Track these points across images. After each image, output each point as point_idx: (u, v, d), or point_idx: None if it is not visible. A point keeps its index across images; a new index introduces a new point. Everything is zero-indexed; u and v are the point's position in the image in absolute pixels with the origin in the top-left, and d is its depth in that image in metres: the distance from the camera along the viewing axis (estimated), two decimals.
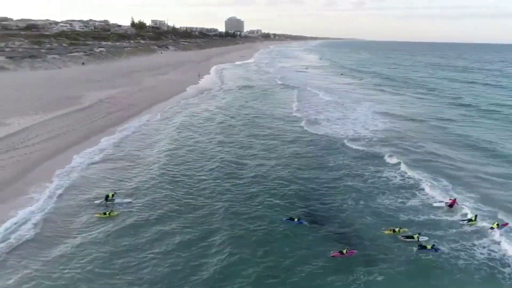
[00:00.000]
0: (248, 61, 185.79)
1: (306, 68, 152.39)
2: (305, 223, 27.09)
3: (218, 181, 35.02)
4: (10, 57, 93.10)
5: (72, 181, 33.70)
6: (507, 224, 26.65)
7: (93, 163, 38.34)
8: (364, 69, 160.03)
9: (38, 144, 41.37)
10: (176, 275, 21.52)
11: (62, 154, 39.93)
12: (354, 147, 45.65)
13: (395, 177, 36.34)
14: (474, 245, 24.76)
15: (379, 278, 21.45)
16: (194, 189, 33.23)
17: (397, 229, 25.93)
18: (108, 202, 29.39)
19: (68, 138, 44.61)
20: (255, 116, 61.91)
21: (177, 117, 59.69)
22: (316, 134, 51.55)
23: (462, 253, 23.97)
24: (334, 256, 23.15)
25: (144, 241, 24.92)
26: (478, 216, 27.29)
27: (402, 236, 25.18)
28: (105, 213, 27.41)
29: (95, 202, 29.70)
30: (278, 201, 30.90)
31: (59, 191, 31.42)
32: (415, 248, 23.93)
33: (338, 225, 27.43)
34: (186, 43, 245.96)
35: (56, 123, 49.20)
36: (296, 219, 27.15)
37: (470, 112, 68.74)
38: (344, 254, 23.12)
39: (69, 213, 28.32)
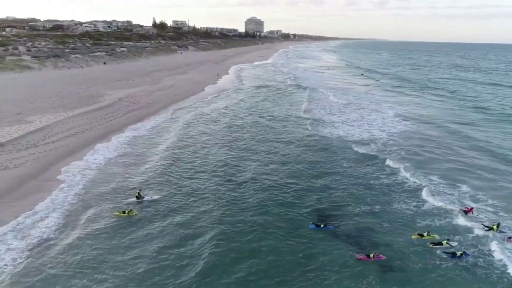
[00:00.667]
0: (266, 61, 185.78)
1: (328, 69, 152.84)
2: (332, 228, 26.60)
3: (222, 184, 35.26)
4: (35, 57, 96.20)
5: (90, 178, 34.61)
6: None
7: (110, 160, 39.31)
8: (382, 70, 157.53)
9: (58, 142, 42.63)
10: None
11: (81, 151, 41.05)
12: (366, 151, 45.00)
13: (410, 181, 35.65)
14: (493, 251, 24.12)
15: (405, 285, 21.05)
16: (200, 191, 33.61)
17: (425, 234, 25.38)
18: (139, 200, 30.01)
19: (87, 136, 45.82)
20: (270, 117, 61.94)
21: (188, 115, 60.48)
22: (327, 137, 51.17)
23: (481, 259, 23.43)
24: (360, 259, 22.77)
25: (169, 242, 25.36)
26: (500, 225, 26.45)
27: (430, 243, 24.49)
28: (124, 212, 27.78)
29: (127, 200, 30.24)
30: (296, 206, 30.68)
31: (77, 188, 32.32)
32: (445, 255, 23.38)
33: (362, 229, 26.97)
34: (205, 43, 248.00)
35: (75, 121, 50.58)
36: (322, 225, 26.58)
37: (492, 117, 66.68)
38: (370, 258, 22.66)
39: (87, 210, 29.03)
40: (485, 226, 26.25)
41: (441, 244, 23.93)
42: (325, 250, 24.13)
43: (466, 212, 28.39)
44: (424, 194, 32.47)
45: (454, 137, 52.10)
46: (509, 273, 22.07)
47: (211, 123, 56.90)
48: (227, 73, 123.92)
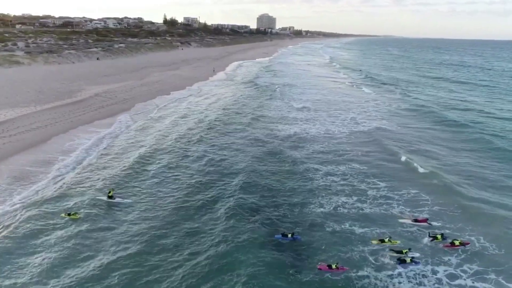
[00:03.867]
0: (268, 57, 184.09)
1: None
2: (299, 238, 24.69)
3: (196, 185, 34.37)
4: (28, 52, 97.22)
5: (46, 176, 33.93)
6: (468, 243, 24.61)
7: (66, 156, 38.86)
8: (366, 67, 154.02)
9: (15, 136, 42.45)
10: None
11: (39, 147, 40.68)
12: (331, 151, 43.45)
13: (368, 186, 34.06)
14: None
15: None
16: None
17: (386, 239, 24.33)
18: (109, 200, 29.24)
19: (48, 131, 45.54)
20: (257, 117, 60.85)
21: (161, 112, 59.84)
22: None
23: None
24: (321, 269, 21.35)
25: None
26: (444, 235, 25.41)
27: (391, 250, 23.33)
28: (69, 214, 27.01)
29: (97, 197, 29.53)
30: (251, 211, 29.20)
31: (26, 186, 31.62)
32: (393, 261, 22.31)
33: (322, 235, 25.40)
34: (210, 40, 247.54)
35: (42, 116, 50.45)
36: (289, 235, 24.56)
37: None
38: (332, 268, 21.18)
39: (37, 208, 28.48)
40: (430, 236, 25.46)
41: (401, 253, 22.78)
42: (288, 259, 22.65)
43: (418, 221, 27.28)
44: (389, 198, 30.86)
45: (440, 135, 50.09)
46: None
47: (179, 119, 56.20)
48: (224, 70, 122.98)
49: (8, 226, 25.60)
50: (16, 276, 20.69)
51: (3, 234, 24.67)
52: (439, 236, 25.18)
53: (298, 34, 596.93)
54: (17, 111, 51.15)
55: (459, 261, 22.66)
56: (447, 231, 25.90)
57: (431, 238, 25.21)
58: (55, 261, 22.01)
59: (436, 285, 20.65)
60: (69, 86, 71.02)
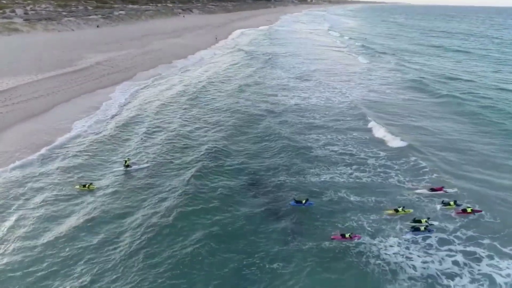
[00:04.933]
0: (271, 25, 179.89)
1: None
2: (313, 203, 25.23)
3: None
4: (27, 20, 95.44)
5: (48, 146, 34.05)
6: (480, 211, 24.81)
7: (71, 126, 39.06)
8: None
9: (18, 104, 42.57)
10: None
11: (42, 116, 40.86)
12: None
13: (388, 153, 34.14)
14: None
15: (376, 266, 20.02)
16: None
17: (400, 209, 24.46)
18: (127, 169, 29.63)
19: (52, 100, 45.54)
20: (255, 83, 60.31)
21: (161, 81, 59.38)
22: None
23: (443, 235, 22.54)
24: (334, 238, 21.80)
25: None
26: (457, 202, 25.50)
27: (411, 221, 23.34)
28: (84, 186, 27.17)
29: (114, 169, 29.77)
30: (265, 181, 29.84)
31: (30, 156, 31.85)
32: (407, 229, 22.58)
33: (337, 205, 25.52)
34: (213, 7, 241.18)
35: (44, 84, 50.29)
36: (303, 201, 25.10)
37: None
38: (346, 237, 21.59)
39: (45, 179, 28.93)
40: (443, 203, 25.67)
41: (420, 222, 22.94)
42: (306, 227, 23.11)
43: (435, 190, 27.34)
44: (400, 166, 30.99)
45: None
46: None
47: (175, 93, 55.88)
48: (226, 38, 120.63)
49: (22, 194, 26.25)
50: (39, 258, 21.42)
51: (18, 203, 25.34)
52: (452, 203, 25.33)
53: (303, 0, 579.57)
54: (18, 80, 50.95)
55: (457, 227, 23.10)
56: (447, 199, 26.20)
57: (443, 205, 25.42)
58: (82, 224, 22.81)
59: (445, 252, 21.09)
60: (69, 54, 70.22)
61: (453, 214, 24.58)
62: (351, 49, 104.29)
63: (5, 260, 19.90)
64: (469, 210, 24.61)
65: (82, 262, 19.86)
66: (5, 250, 20.65)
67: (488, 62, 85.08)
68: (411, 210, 24.71)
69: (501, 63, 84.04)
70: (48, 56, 67.13)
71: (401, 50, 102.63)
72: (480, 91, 56.08)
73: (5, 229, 22.36)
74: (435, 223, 23.38)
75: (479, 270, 19.64)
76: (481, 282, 18.85)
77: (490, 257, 20.50)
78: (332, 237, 21.92)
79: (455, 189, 27.35)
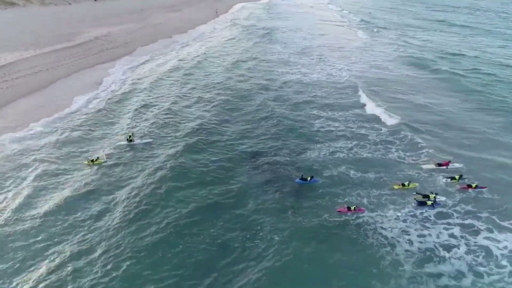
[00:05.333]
0: None
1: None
2: (319, 180, 25.55)
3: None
4: None
5: (48, 121, 34.16)
6: (485, 187, 24.82)
7: (72, 101, 38.90)
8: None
9: (17, 80, 42.31)
10: None
11: (43, 91, 40.64)
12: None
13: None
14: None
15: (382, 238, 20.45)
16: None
17: (406, 183, 24.70)
18: (130, 143, 29.82)
19: (51, 75, 45.20)
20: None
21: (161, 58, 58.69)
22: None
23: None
24: (340, 211, 22.17)
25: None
26: (462, 176, 25.63)
27: (417, 194, 23.55)
28: (92, 160, 27.33)
29: (117, 144, 29.86)
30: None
31: (31, 131, 32.09)
32: (414, 203, 22.91)
33: (343, 180, 25.83)
34: None
35: (42, 59, 49.83)
36: (309, 178, 25.36)
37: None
38: (351, 210, 22.05)
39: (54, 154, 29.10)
40: (448, 177, 25.82)
41: (428, 197, 23.05)
42: (309, 203, 23.41)
43: (442, 165, 27.42)
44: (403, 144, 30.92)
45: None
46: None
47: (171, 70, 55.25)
48: (227, 12, 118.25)
49: (23, 165, 26.50)
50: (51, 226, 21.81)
51: (19, 174, 25.60)
52: (457, 177, 25.43)
53: None
54: (16, 55, 50.45)
55: (456, 202, 23.39)
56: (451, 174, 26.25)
57: (448, 179, 25.51)
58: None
59: (444, 225, 21.43)
60: (67, 29, 69.19)
61: (457, 187, 24.62)
62: (351, 24, 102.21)
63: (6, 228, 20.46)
64: (473, 185, 24.66)
65: (81, 229, 20.43)
66: (6, 219, 21.16)
67: (494, 37, 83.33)
68: (417, 184, 24.95)
69: (507, 38, 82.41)
70: (45, 30, 66.17)
71: (404, 25, 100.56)
72: (483, 67, 55.28)
73: (5, 199, 22.76)
74: (442, 198, 23.47)
75: (475, 242, 20.02)
76: (477, 253, 19.24)
77: (489, 230, 20.85)
78: (338, 210, 22.26)
79: (461, 164, 27.41)
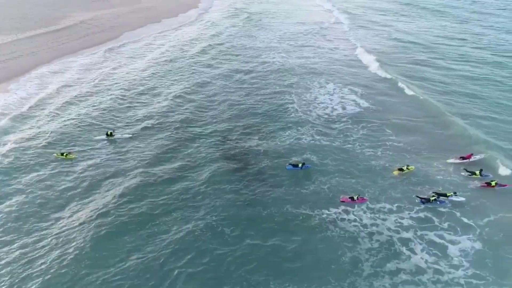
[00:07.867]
0: None
1: None
2: (310, 166, 25.22)
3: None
4: None
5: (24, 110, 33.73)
6: (506, 185, 24.05)
7: (49, 89, 38.35)
8: None
9: None
10: None
11: (22, 76, 40.11)
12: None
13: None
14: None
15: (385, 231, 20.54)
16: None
17: (404, 168, 24.84)
18: (109, 138, 29.32)
19: (31, 61, 44.52)
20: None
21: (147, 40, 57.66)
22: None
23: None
24: (344, 201, 22.26)
25: None
26: (482, 171, 25.11)
27: (435, 193, 22.87)
28: (62, 154, 26.98)
29: (95, 138, 29.37)
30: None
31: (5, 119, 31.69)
32: (417, 200, 22.78)
33: (340, 168, 25.64)
34: None
35: (24, 44, 49.04)
36: (300, 165, 25.03)
37: None
38: (354, 200, 22.13)
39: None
40: (468, 172, 25.19)
41: (446, 196, 22.60)
42: (310, 191, 23.41)
43: (465, 158, 26.65)
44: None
45: None
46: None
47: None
48: None
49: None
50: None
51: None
52: (477, 172, 24.84)
53: None
54: None
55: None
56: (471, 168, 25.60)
57: (468, 173, 24.96)
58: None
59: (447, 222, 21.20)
60: (54, 12, 68.00)
61: (478, 185, 24.06)
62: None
63: None
64: (493, 183, 23.78)
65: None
66: None
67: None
68: (413, 167, 25.20)
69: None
70: (32, 13, 65.11)
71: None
72: None
73: None
74: (462, 199, 22.73)
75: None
76: None
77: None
78: (341, 200, 22.41)
79: (483, 155, 26.94)
